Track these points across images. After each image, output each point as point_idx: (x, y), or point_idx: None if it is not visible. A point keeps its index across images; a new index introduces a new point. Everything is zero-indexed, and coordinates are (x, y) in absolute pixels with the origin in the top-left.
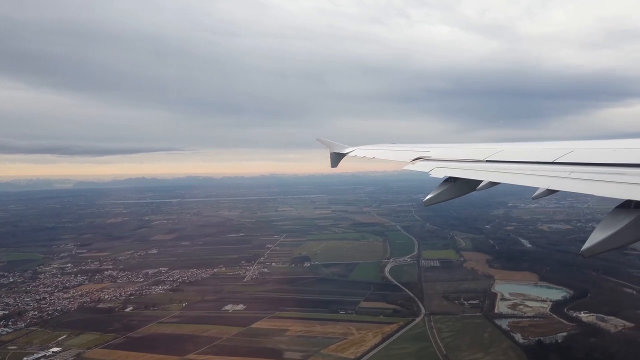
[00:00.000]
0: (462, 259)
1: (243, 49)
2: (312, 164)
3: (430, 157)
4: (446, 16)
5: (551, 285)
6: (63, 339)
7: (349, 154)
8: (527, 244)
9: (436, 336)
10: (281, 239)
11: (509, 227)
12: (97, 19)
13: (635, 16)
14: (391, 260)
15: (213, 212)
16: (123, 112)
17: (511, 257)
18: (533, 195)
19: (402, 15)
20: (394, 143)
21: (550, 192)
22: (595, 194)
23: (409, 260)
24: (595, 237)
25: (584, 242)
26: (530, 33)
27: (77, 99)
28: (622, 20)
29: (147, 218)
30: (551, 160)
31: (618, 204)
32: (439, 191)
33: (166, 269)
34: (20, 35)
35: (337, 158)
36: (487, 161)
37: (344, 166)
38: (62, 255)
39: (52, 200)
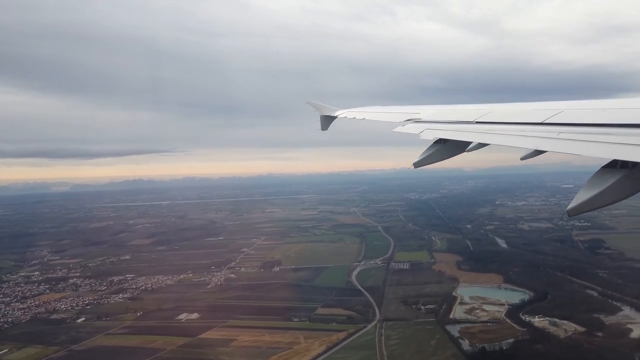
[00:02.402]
0: (433, 260)
1: (229, 49)
2: (310, 163)
3: (420, 119)
4: (432, 13)
5: (514, 288)
6: (4, 354)
7: (339, 116)
8: (502, 244)
9: (382, 344)
10: (259, 242)
11: (489, 227)
12: (80, 21)
13: (623, 11)
14: (362, 263)
15: (199, 215)
16: (115, 115)
17: (482, 259)
18: (521, 156)
19: (386, 12)
20: (384, 105)
21: (538, 152)
22: (583, 154)
23: (379, 263)
24: (581, 197)
25: (561, 241)
26: (518, 29)
27: (67, 102)
28: (610, 15)
29: (131, 222)
30: (540, 121)
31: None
32: (429, 153)
33: (133, 275)
34: (5, 38)
35: (327, 121)
36: (477, 122)
37: (342, 165)
38: (33, 262)
39: (43, 204)
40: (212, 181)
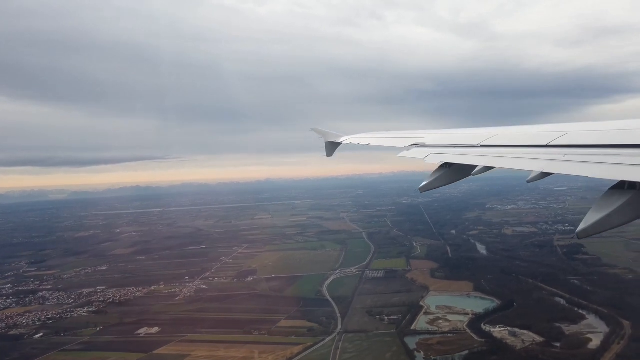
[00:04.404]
0: (408, 268)
1: (220, 54)
2: (309, 167)
3: (424, 143)
4: (420, 17)
5: (483, 296)
6: None
7: (344, 142)
8: (482, 250)
9: (337, 357)
10: (240, 251)
11: (473, 232)
12: (70, 28)
13: (611, 13)
14: (337, 271)
15: (188, 222)
16: (110, 122)
17: (458, 266)
18: (528, 179)
19: (374, 16)
20: (389, 130)
21: (545, 175)
22: (589, 176)
23: (355, 271)
24: (590, 219)
25: (541, 246)
26: (508, 32)
27: (61, 109)
28: (598, 16)
29: (118, 230)
30: (545, 143)
31: (611, 185)
32: (434, 177)
33: (104, 287)
34: None
35: (332, 147)
36: (482, 146)
37: (340, 169)
38: (8, 274)
39: (36, 212)
40: (210, 187)
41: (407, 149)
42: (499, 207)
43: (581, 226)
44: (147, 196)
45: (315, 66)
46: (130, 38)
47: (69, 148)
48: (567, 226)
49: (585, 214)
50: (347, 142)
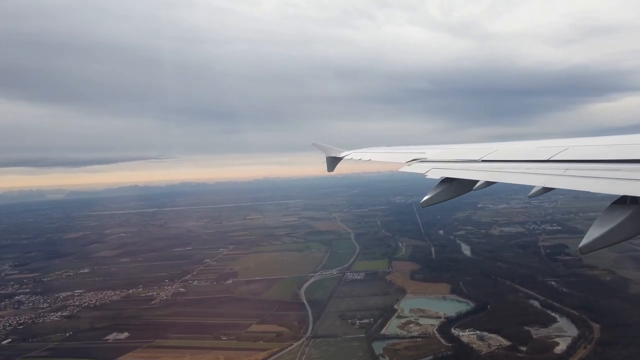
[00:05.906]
0: (389, 270)
1: (218, 54)
2: (307, 167)
3: (426, 158)
4: (412, 17)
5: (459, 299)
6: None
7: (345, 158)
8: (466, 250)
9: None
10: (225, 252)
11: (461, 232)
12: (64, 30)
13: (602, 12)
14: (318, 273)
15: (179, 223)
16: (107, 122)
17: (438, 267)
18: (530, 194)
19: (366, 16)
20: (389, 145)
21: (547, 189)
22: (591, 191)
23: (335, 273)
24: (592, 234)
25: (525, 247)
26: (500, 31)
27: (56, 110)
28: (589, 14)
29: (108, 231)
30: (546, 158)
31: (612, 200)
32: (436, 192)
33: (81, 291)
34: None
35: (333, 162)
36: (483, 161)
37: (339, 167)
38: None
39: (30, 213)
40: (208, 186)
41: (408, 164)
42: (491, 206)
43: (583, 242)
44: (144, 196)
45: (310, 66)
46: (119, 40)
47: (66, 148)
48: (555, 226)
49: (574, 214)
50: (349, 157)
